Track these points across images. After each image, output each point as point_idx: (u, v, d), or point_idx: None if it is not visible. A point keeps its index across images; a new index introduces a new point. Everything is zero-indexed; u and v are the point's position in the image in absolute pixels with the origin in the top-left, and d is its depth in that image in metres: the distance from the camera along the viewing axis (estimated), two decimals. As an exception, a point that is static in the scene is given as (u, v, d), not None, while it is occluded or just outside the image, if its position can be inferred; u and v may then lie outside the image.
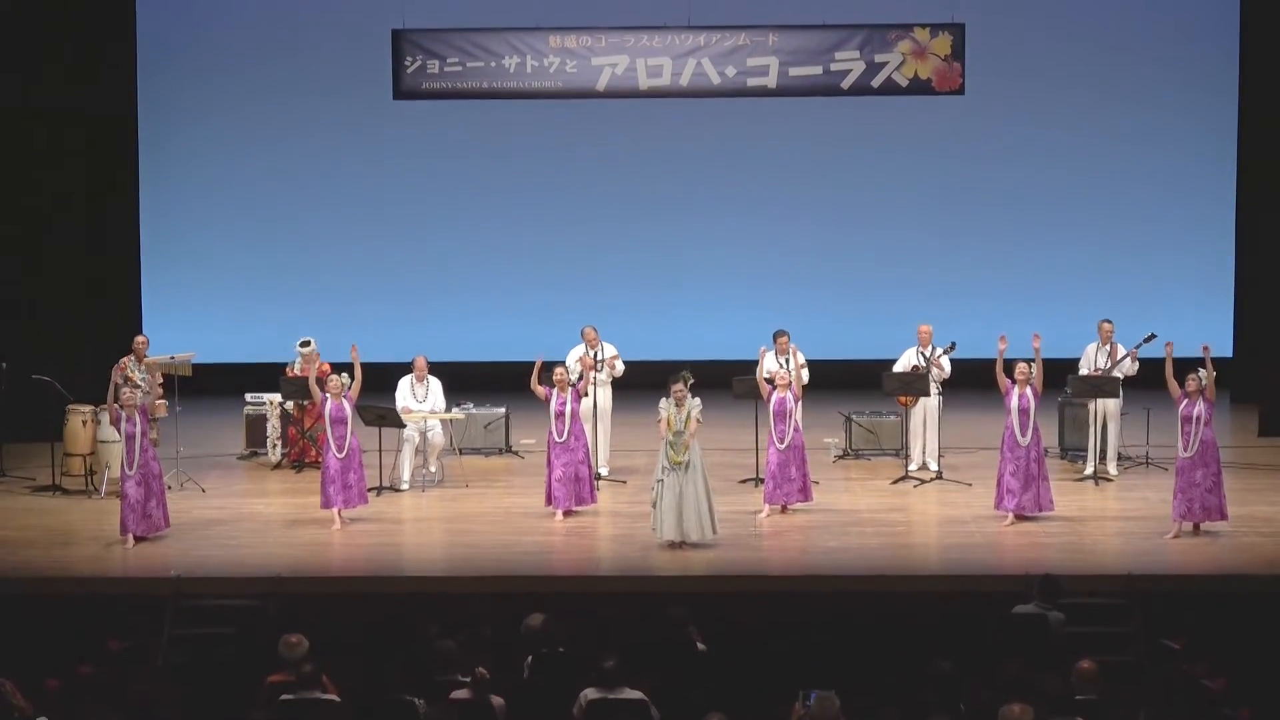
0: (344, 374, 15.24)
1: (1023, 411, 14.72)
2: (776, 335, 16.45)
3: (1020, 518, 14.72)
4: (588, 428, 15.77)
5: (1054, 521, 14.75)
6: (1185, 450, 14.22)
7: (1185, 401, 14.23)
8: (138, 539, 14.30)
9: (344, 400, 14.96)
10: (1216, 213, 21.33)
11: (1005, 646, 11.36)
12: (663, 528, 14.10)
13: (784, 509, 15.15)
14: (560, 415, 15.09)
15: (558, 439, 15.08)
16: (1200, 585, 13.10)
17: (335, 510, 14.86)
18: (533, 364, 15.41)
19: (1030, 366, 14.85)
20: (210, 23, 21.44)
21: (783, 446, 15.01)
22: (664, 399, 14.32)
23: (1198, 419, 14.16)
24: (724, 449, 16.72)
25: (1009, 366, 14.98)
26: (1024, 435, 14.71)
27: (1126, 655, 12.16)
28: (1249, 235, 20.96)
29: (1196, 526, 14.27)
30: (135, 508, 14.29)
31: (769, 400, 15.15)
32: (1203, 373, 14.23)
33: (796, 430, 15.08)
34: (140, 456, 14.35)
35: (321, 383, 15.24)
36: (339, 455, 14.84)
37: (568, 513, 15.07)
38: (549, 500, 15.15)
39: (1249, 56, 20.74)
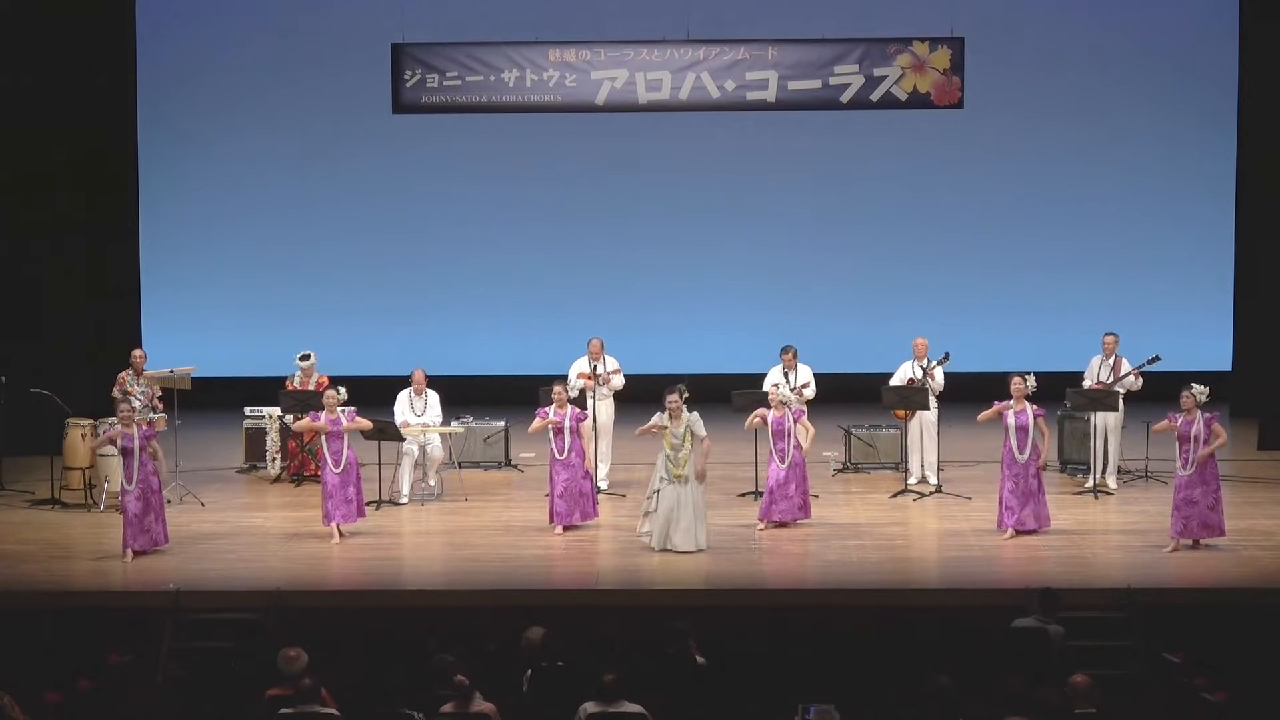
0: (340, 387, 15.23)
1: (1020, 428, 14.70)
2: (783, 351, 16.53)
3: (1020, 532, 14.71)
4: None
5: (1054, 535, 14.73)
6: (1184, 468, 14.19)
7: (1182, 419, 14.20)
8: (136, 553, 14.29)
9: (340, 416, 14.94)
10: (1215, 226, 21.29)
11: (1004, 660, 11.34)
12: (653, 535, 14.30)
13: (783, 525, 15.15)
14: (560, 432, 15.08)
15: (558, 456, 15.07)
16: (1201, 599, 13.08)
17: (334, 525, 14.85)
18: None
19: (1025, 381, 14.80)
20: (210, 35, 21.43)
21: (784, 465, 15.01)
22: (659, 412, 14.38)
23: (1196, 437, 14.13)
24: (723, 463, 16.71)
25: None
26: (1022, 452, 14.69)
27: (1127, 669, 12.14)
28: (1247, 249, 20.95)
29: (1196, 541, 14.24)
30: (134, 523, 14.27)
31: (766, 421, 15.17)
32: (1196, 388, 14.17)
33: (797, 448, 15.08)
34: (139, 472, 14.34)
35: (317, 397, 15.24)
36: (335, 471, 14.83)
37: (568, 527, 15.05)
38: (552, 518, 15.14)
39: (1247, 72, 20.74)
